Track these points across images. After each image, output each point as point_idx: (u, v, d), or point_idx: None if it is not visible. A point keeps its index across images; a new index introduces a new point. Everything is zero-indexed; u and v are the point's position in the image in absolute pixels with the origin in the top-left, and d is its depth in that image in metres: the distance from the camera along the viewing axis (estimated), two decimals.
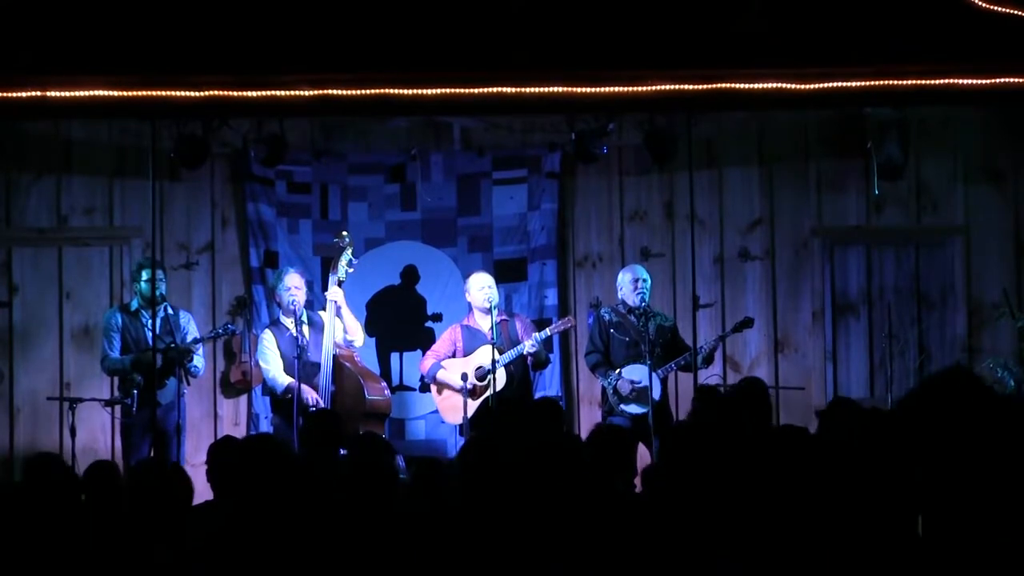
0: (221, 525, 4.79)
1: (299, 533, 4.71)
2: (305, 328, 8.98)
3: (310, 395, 8.84)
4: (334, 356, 8.99)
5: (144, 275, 8.95)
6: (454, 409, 9.23)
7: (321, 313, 9.15)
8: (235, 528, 4.71)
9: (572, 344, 10.15)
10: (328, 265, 9.40)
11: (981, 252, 10.17)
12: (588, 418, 9.96)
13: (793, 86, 8.73)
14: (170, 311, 9.07)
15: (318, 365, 8.98)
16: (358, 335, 9.20)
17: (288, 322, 9.04)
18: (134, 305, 9.09)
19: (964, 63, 8.63)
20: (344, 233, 9.27)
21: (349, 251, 9.15)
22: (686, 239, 9.77)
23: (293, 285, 9.08)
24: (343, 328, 9.09)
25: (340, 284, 9.12)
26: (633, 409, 8.97)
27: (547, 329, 9.31)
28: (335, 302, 9.05)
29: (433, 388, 9.46)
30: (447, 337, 9.45)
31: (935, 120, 10.10)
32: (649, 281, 9.24)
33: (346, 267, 9.13)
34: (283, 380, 8.98)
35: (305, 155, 10.15)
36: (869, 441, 4.65)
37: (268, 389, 9.19)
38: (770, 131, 10.23)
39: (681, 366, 9.05)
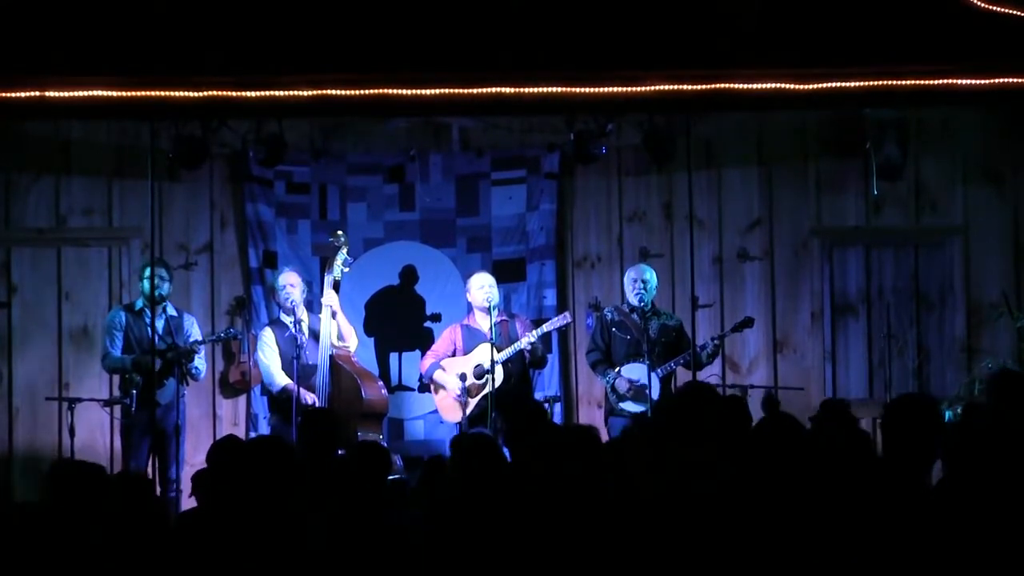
0: (218, 529, 4.78)
1: (297, 535, 4.70)
2: (304, 327, 8.98)
3: (307, 397, 8.84)
4: (331, 356, 8.99)
5: (146, 273, 8.96)
6: (453, 408, 9.24)
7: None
8: (235, 531, 4.70)
9: (571, 344, 10.15)
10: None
11: (980, 252, 10.18)
12: (588, 418, 9.96)
13: (793, 86, 8.73)
14: (174, 313, 9.07)
15: (315, 366, 8.98)
16: (352, 340, 9.20)
17: (288, 320, 9.04)
18: (138, 304, 9.09)
19: (964, 63, 8.63)
20: (339, 233, 9.26)
21: (344, 251, 9.15)
22: (685, 239, 9.76)
23: (288, 282, 9.08)
24: (338, 331, 9.09)
25: (336, 284, 9.11)
26: (631, 407, 8.98)
27: (544, 325, 9.31)
28: (330, 306, 9.05)
29: (432, 388, 9.47)
30: (447, 337, 9.46)
31: (934, 120, 10.10)
32: (652, 282, 9.23)
33: (341, 267, 9.12)
34: (280, 380, 8.98)
35: (304, 155, 10.14)
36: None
37: (265, 388, 9.19)
38: (769, 131, 10.23)
39: (681, 364, 9.05)
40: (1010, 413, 4.81)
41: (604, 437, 9.27)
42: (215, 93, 8.64)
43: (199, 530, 4.90)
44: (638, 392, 8.95)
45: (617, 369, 9.10)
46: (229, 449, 5.34)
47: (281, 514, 4.73)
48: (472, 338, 9.30)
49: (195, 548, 4.73)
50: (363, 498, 5.17)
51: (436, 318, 10.19)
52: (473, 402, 9.16)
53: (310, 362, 8.97)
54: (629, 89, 8.72)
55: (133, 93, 8.59)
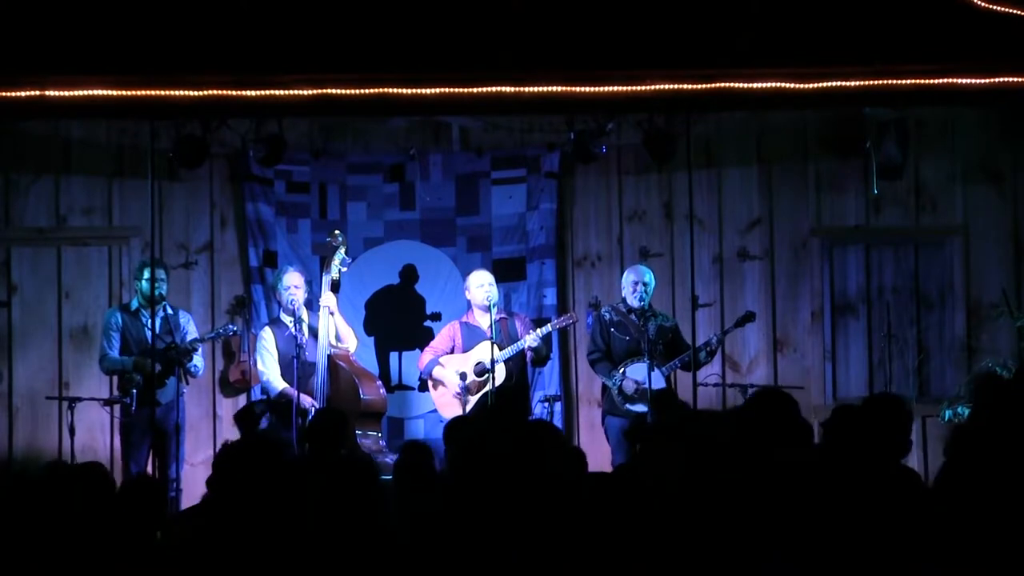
0: (213, 525, 4.77)
1: (292, 535, 4.70)
2: (304, 327, 8.97)
3: (306, 401, 8.83)
4: (329, 356, 8.99)
5: (145, 273, 8.96)
6: (452, 405, 9.23)
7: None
8: (228, 529, 4.69)
9: (571, 344, 10.15)
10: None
11: (980, 252, 10.18)
12: (587, 418, 9.97)
13: (793, 86, 8.74)
14: (169, 311, 9.07)
15: (314, 365, 8.97)
16: (351, 341, 9.19)
17: (288, 320, 9.03)
18: (134, 305, 9.10)
19: (964, 63, 8.63)
20: (337, 233, 9.24)
21: (342, 250, 9.13)
22: (685, 239, 9.77)
23: (292, 284, 9.08)
24: (335, 332, 9.08)
25: (334, 284, 9.09)
26: (639, 408, 8.96)
27: (548, 325, 9.31)
28: (327, 306, 9.04)
29: (430, 384, 9.46)
30: (446, 333, 9.46)
31: (934, 120, 10.10)
32: (651, 284, 9.23)
33: (339, 267, 9.11)
34: (278, 384, 8.98)
35: (304, 155, 10.14)
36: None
37: (263, 390, 9.20)
38: (769, 131, 10.23)
39: (684, 363, 9.04)
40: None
41: (601, 437, 9.34)
42: (215, 93, 8.65)
43: (194, 528, 4.90)
44: (644, 393, 8.93)
45: (622, 370, 9.08)
46: (231, 452, 5.35)
47: (277, 514, 4.73)
48: (471, 335, 9.30)
49: (188, 546, 4.73)
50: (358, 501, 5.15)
51: (436, 317, 10.19)
52: (473, 400, 9.16)
53: (309, 360, 8.97)
54: (629, 89, 8.72)
55: (133, 93, 8.60)
